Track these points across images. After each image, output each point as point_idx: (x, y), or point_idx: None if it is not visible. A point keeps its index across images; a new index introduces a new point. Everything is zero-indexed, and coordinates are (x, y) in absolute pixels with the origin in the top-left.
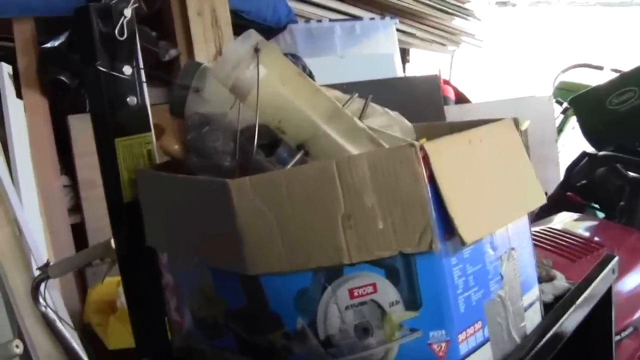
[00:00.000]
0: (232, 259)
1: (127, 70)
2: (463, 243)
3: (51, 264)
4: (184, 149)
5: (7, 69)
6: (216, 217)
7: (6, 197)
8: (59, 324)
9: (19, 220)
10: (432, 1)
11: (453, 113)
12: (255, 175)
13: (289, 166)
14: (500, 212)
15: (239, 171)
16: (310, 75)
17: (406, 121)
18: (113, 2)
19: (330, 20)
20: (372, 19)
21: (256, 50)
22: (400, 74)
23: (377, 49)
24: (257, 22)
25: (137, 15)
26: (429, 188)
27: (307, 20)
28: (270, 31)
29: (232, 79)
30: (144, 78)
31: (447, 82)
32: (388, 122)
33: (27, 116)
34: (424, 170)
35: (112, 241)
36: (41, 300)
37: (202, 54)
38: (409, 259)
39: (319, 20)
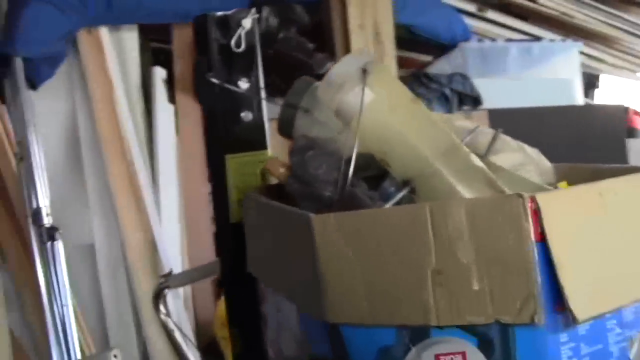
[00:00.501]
0: (314, 302)
1: (243, 84)
2: (574, 320)
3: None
4: (288, 173)
5: (161, 73)
6: (301, 254)
7: (143, 201)
8: (177, 334)
9: (153, 226)
10: (624, 24)
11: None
12: (341, 213)
13: (390, 203)
14: (631, 284)
15: (339, 203)
16: (478, 97)
17: (545, 160)
18: (232, 12)
19: (506, 39)
20: (552, 40)
21: (364, 71)
22: (580, 101)
23: (555, 73)
24: (429, 38)
25: (297, 25)
26: (537, 249)
27: (480, 38)
28: (441, 48)
29: (336, 102)
30: (262, 93)
31: (638, 113)
32: (522, 161)
33: (178, 121)
34: (532, 227)
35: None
36: (162, 308)
37: None
38: (506, 329)
39: (493, 39)
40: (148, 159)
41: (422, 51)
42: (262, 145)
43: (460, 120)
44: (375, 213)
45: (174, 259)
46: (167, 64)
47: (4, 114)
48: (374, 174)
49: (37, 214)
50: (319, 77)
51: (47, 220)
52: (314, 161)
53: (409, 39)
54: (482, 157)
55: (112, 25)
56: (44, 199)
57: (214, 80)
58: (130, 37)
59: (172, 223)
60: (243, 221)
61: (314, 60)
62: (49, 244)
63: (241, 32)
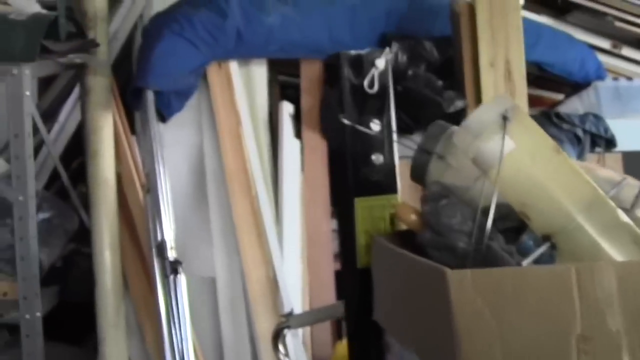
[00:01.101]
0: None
1: (375, 126)
2: None
3: (294, 312)
4: (420, 220)
5: (288, 108)
6: (433, 308)
7: (266, 237)
8: None
9: (276, 263)
10: None
11: None
12: (479, 270)
13: (529, 260)
14: None
15: (474, 256)
16: (612, 139)
17: None
18: (365, 51)
19: None
20: None
21: (504, 118)
22: None
23: None
24: (561, 76)
25: (427, 62)
26: None
27: (615, 77)
28: (573, 87)
29: (474, 150)
30: (394, 136)
31: None
32: None
33: (304, 156)
34: None
35: None
36: (281, 348)
37: None
38: None
39: (629, 78)
40: (272, 195)
41: (553, 89)
42: (392, 189)
43: (604, 170)
44: (516, 272)
45: (294, 297)
46: (294, 99)
47: (133, 145)
48: (512, 226)
49: (161, 246)
50: (449, 115)
51: (171, 254)
52: (448, 210)
53: (540, 76)
54: (628, 211)
55: (242, 59)
56: (169, 232)
57: (346, 122)
58: (259, 71)
59: (294, 260)
60: (371, 266)
61: (444, 98)
62: (171, 277)
63: (374, 72)
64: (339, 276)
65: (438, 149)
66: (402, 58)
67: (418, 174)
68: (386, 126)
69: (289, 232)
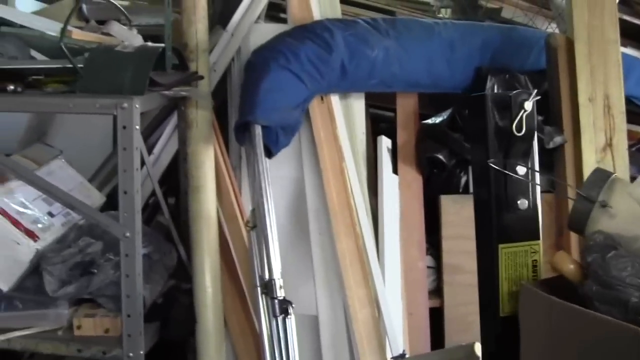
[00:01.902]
0: None
1: (521, 169)
2: None
3: (407, 354)
4: (581, 272)
5: (386, 143)
6: None
7: (371, 275)
8: None
9: (380, 302)
10: None
11: None
12: None
13: None
14: None
15: None
16: None
17: None
18: (513, 93)
19: None
20: None
21: None
22: None
23: None
24: None
25: None
26: None
27: None
28: None
29: None
30: (538, 180)
31: None
32: None
33: (400, 192)
34: None
35: (477, 346)
36: None
37: (589, 144)
38: None
39: None
40: (372, 229)
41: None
42: (535, 235)
43: None
44: None
45: (399, 336)
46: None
47: (234, 179)
48: None
49: (269, 285)
50: (549, 152)
51: (280, 293)
52: (617, 262)
53: (630, 110)
54: None
55: (341, 93)
56: (277, 270)
57: (494, 166)
58: (358, 105)
59: (396, 297)
60: (516, 314)
61: (544, 134)
62: (280, 317)
63: (523, 114)
64: (434, 313)
65: (601, 197)
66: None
67: (578, 222)
68: (531, 169)
69: (389, 270)
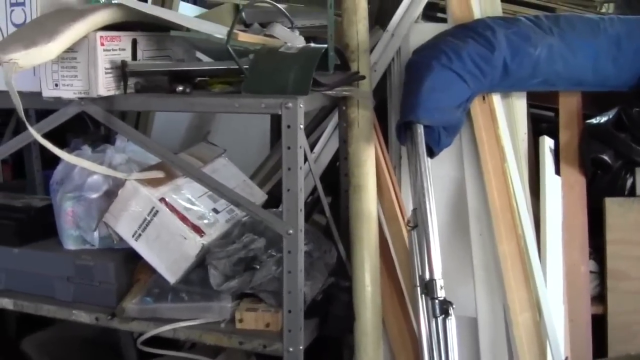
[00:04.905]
0: None
1: None
2: None
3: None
4: None
5: (549, 143)
6: None
7: (532, 279)
8: None
9: (542, 305)
10: None
11: None
12: None
13: None
14: None
15: None
16: None
17: None
18: None
19: None
20: None
21: None
22: None
23: None
24: None
25: None
26: None
27: None
28: None
29: None
30: None
31: None
32: None
33: (563, 194)
34: None
35: None
36: None
37: None
38: None
39: None
40: (535, 233)
41: None
42: None
43: None
44: None
45: (560, 341)
46: (553, 134)
47: (394, 179)
48: None
49: (430, 285)
50: None
51: (440, 294)
52: None
53: None
54: None
55: (503, 92)
56: (438, 271)
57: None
58: (520, 104)
59: (558, 301)
60: None
61: None
62: (440, 318)
63: None
64: (596, 320)
65: None
66: None
67: None
68: None
69: (551, 273)
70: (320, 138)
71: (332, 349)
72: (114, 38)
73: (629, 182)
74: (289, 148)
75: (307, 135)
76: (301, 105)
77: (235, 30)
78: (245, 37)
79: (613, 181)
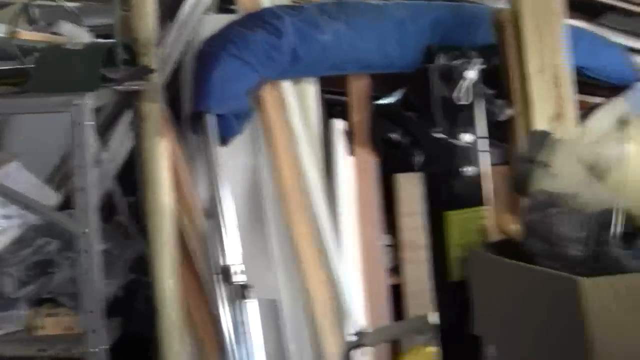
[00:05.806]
0: None
1: (466, 137)
2: None
3: (367, 329)
4: (524, 231)
5: (339, 125)
6: (558, 318)
7: (327, 256)
8: None
9: (338, 282)
10: None
11: None
12: (616, 277)
13: None
14: None
15: (589, 264)
16: None
17: None
18: (454, 63)
19: None
20: None
21: (623, 123)
22: None
23: None
24: (599, 80)
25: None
26: None
27: None
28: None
29: (591, 156)
30: (485, 147)
31: None
32: None
33: (356, 173)
34: None
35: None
36: None
37: (540, 115)
38: None
39: None
40: (328, 213)
41: (591, 93)
42: (479, 201)
43: None
44: None
45: (359, 313)
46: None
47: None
48: (627, 230)
49: (226, 271)
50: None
51: (238, 278)
52: (557, 218)
53: (578, 80)
54: None
55: (293, 78)
56: (234, 257)
57: (439, 135)
58: (310, 89)
59: (355, 276)
60: (465, 279)
61: (494, 107)
62: (239, 301)
63: (465, 84)
64: (395, 290)
65: (542, 157)
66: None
67: (520, 184)
68: (476, 137)
69: (346, 250)
70: (115, 135)
71: (142, 345)
72: None
73: (418, 158)
74: (78, 146)
75: (103, 133)
76: (89, 102)
77: (17, 29)
78: (27, 35)
79: (404, 158)
